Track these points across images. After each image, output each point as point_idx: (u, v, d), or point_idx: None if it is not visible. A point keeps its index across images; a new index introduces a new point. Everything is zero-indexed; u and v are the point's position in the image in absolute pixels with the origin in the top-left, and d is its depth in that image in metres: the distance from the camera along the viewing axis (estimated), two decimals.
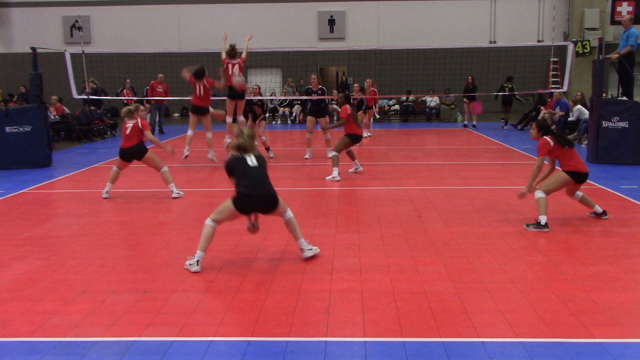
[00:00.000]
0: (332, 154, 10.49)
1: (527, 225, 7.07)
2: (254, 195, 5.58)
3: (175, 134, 18.71)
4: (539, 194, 7.12)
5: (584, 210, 7.93)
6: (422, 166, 11.79)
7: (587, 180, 9.81)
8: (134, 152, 8.87)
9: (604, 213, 7.51)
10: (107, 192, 9.07)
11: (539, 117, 18.21)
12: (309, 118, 13.45)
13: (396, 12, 25.45)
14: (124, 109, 9.05)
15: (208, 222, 5.68)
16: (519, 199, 7.40)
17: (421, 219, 7.47)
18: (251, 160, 5.65)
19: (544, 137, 7.30)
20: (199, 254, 5.61)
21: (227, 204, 5.68)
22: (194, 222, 7.58)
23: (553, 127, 17.06)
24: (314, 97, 13.41)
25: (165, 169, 9.07)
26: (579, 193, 7.52)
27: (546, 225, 6.92)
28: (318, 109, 13.33)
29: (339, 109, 11.35)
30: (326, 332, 4.22)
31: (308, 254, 5.86)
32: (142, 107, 9.08)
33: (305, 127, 14.03)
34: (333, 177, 10.21)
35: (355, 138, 10.54)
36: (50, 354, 3.97)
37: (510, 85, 20.41)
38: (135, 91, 19.69)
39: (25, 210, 8.33)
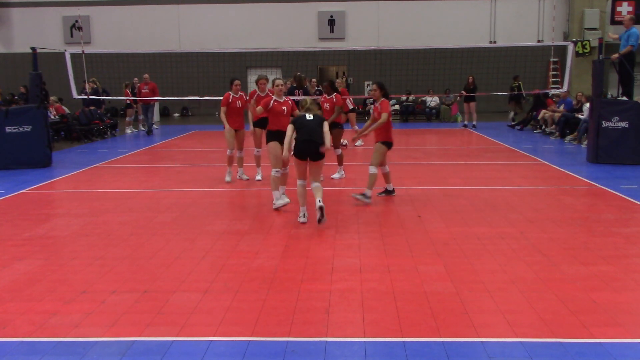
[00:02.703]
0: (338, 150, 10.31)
1: (355, 195, 8.31)
2: (306, 140, 7.15)
3: (175, 134, 18.70)
4: (372, 169, 8.33)
5: (584, 211, 7.95)
6: (422, 166, 11.79)
7: (587, 180, 9.92)
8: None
9: (391, 192, 8.77)
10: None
11: (539, 117, 18.21)
12: None
13: (396, 12, 25.43)
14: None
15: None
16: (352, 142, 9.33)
17: (421, 219, 7.48)
18: (309, 116, 7.32)
19: (385, 98, 8.34)
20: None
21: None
22: (194, 222, 7.58)
23: (553, 126, 17.05)
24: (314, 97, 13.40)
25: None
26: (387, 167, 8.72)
27: (370, 197, 8.28)
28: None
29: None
30: (326, 332, 4.22)
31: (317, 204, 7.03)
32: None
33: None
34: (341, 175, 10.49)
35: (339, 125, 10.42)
36: (50, 354, 3.97)
37: (518, 84, 20.50)
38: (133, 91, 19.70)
39: (25, 210, 8.32)
